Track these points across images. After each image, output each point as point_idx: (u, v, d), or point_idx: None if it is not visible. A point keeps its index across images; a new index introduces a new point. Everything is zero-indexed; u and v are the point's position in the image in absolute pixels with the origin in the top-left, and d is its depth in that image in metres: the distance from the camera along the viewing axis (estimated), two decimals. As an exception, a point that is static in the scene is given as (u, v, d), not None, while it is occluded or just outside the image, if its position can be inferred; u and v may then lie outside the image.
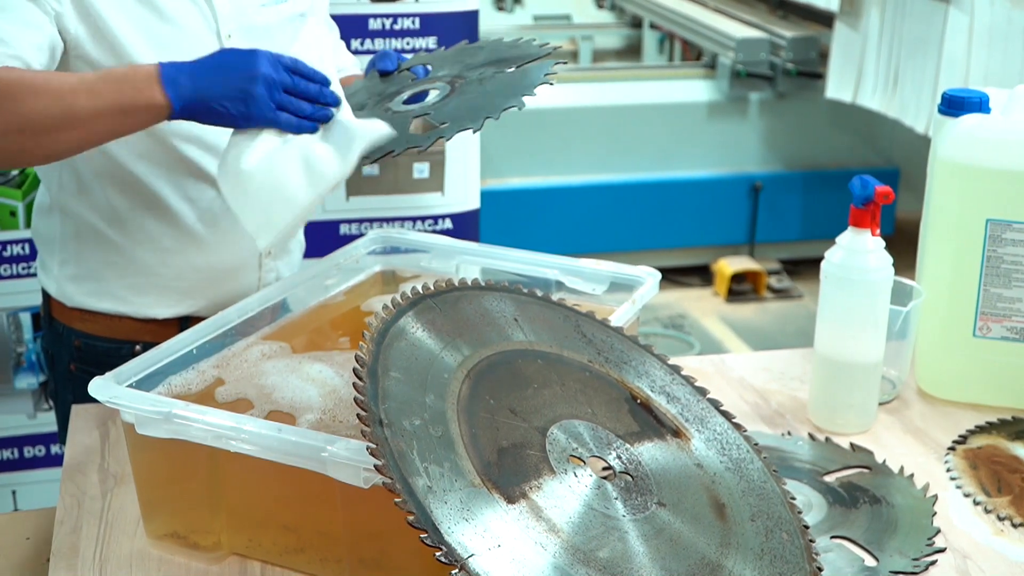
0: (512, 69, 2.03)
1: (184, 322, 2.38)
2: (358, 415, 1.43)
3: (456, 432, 1.47)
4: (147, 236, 2.31)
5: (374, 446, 1.39)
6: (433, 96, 2.05)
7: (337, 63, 2.51)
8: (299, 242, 2.55)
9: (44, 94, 1.93)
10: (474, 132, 1.90)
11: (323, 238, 3.11)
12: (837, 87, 5.99)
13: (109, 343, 2.41)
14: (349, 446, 1.54)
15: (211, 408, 1.66)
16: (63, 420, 2.55)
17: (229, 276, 2.39)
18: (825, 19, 6.36)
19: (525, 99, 1.92)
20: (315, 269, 2.21)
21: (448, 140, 1.88)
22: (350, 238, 2.37)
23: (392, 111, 2.02)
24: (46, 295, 2.49)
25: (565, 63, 2.06)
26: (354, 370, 1.48)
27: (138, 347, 2.37)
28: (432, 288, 1.70)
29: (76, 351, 2.44)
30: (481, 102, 1.95)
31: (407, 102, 2.07)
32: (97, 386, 1.73)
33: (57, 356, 2.51)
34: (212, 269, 2.36)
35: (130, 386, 1.76)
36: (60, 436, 2.59)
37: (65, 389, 2.52)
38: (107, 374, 1.76)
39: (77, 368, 2.45)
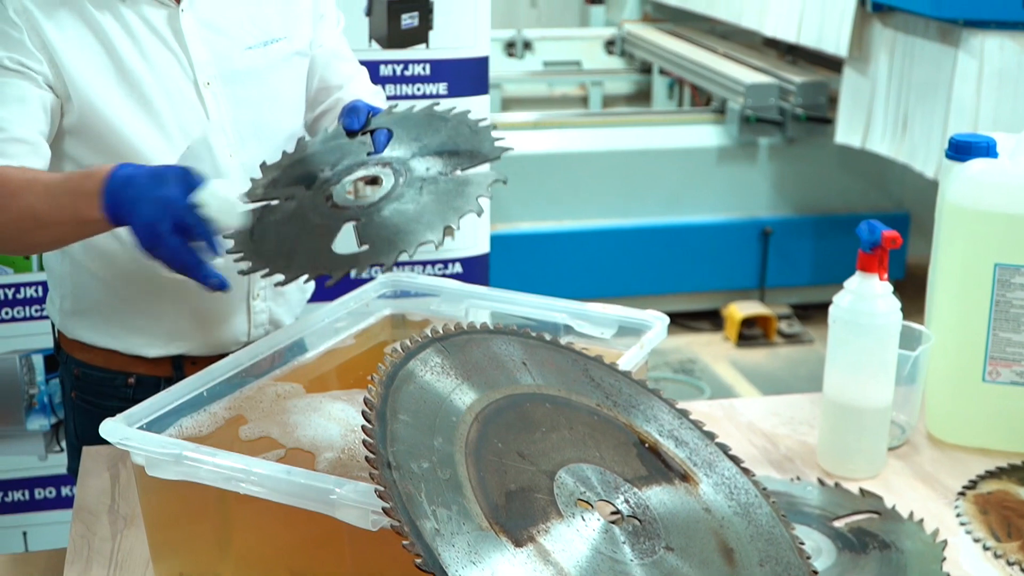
0: (453, 175, 1.96)
1: (177, 360, 2.42)
2: (367, 457, 1.43)
3: (464, 475, 1.47)
4: (137, 279, 2.32)
5: (382, 489, 1.39)
6: (375, 189, 1.97)
7: (350, 95, 2.51)
8: (295, 283, 2.51)
9: (18, 199, 1.99)
10: (383, 271, 1.87)
11: (321, 280, 3.11)
12: (846, 132, 6.00)
13: (104, 373, 2.44)
14: (357, 489, 1.54)
15: (221, 450, 1.66)
16: (70, 451, 2.61)
17: (219, 319, 2.39)
18: (834, 64, 6.38)
19: (443, 232, 1.83)
20: (325, 312, 2.21)
21: (357, 275, 1.81)
22: (360, 282, 2.36)
23: (332, 203, 1.94)
24: (54, 325, 2.54)
25: (504, 183, 2.00)
26: (363, 413, 1.48)
27: (131, 379, 2.40)
28: (441, 332, 1.70)
29: (75, 380, 2.48)
30: (407, 223, 1.86)
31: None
32: (108, 428, 1.73)
33: (64, 384, 2.56)
34: (201, 313, 2.37)
35: (141, 428, 1.76)
36: (69, 467, 2.61)
37: (68, 418, 2.57)
38: (118, 416, 1.76)
39: (76, 396, 2.49)
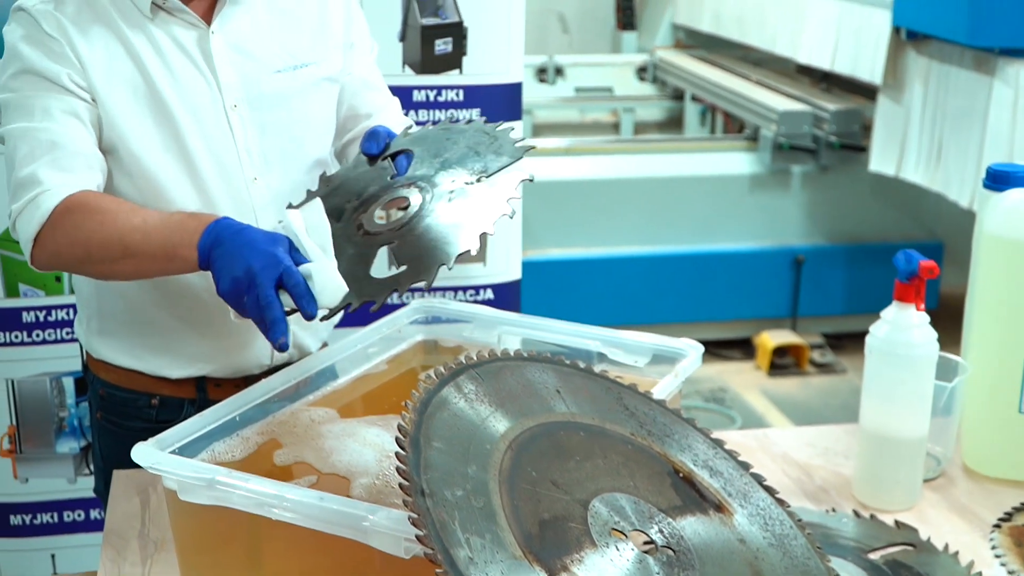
0: (479, 182, 1.97)
1: (201, 381, 2.42)
2: (400, 485, 1.43)
3: (498, 503, 1.47)
4: (162, 300, 2.33)
5: (416, 516, 1.39)
6: (403, 213, 1.97)
7: (380, 124, 2.52)
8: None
9: (108, 226, 2.04)
10: (425, 288, 1.87)
11: (365, 307, 3.12)
12: (880, 160, 5.99)
13: (127, 393, 2.44)
14: (391, 516, 1.54)
15: (253, 476, 1.66)
16: (96, 472, 2.62)
17: (243, 342, 2.38)
18: (868, 92, 6.37)
19: (480, 238, 1.84)
20: (357, 338, 2.21)
21: (400, 296, 1.82)
22: (393, 308, 2.36)
23: (364, 232, 1.96)
24: (82, 346, 2.55)
25: (532, 180, 1.99)
26: (396, 439, 1.48)
27: (155, 400, 2.41)
28: (475, 358, 1.70)
29: (100, 399, 2.49)
30: (442, 239, 1.86)
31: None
32: (140, 452, 1.74)
33: (91, 404, 2.56)
34: (225, 335, 2.36)
35: (173, 452, 1.77)
36: (95, 488, 2.62)
37: (94, 437, 2.58)
38: (150, 440, 1.77)
39: (102, 416, 2.49)
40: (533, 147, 2.03)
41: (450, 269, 1.82)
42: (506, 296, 3.62)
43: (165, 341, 2.38)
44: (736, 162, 6.70)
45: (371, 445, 1.87)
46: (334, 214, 2.02)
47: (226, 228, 1.92)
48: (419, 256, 1.84)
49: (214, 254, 1.90)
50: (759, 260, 6.67)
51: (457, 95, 3.49)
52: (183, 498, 1.70)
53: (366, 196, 2.05)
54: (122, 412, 2.45)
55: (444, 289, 3.51)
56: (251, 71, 2.30)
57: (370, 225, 1.96)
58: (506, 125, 2.10)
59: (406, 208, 1.97)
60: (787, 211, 6.70)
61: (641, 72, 8.68)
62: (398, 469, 1.44)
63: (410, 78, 3.45)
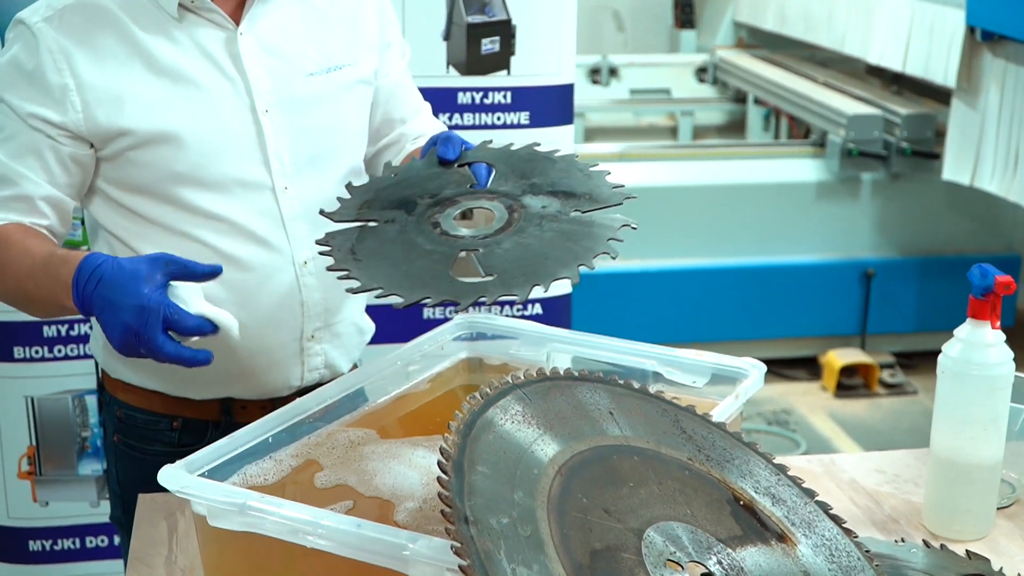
0: (576, 214, 1.99)
1: (225, 402, 2.42)
2: (442, 512, 1.43)
3: (546, 532, 1.47)
4: None
5: (459, 545, 1.39)
6: (487, 224, 2.00)
7: (414, 130, 2.54)
8: (354, 324, 2.53)
9: (8, 270, 2.16)
10: (518, 302, 1.88)
11: (405, 322, 3.12)
12: (954, 168, 5.96)
13: (148, 416, 2.45)
14: (432, 544, 1.54)
15: (288, 500, 1.67)
16: (113, 498, 2.62)
17: (271, 362, 2.39)
18: (942, 96, 6.34)
19: (581, 269, 1.86)
20: (397, 355, 2.22)
21: (488, 303, 1.83)
22: (434, 323, 2.37)
23: (440, 231, 1.97)
24: (97, 364, 2.57)
25: (635, 228, 2.00)
26: (439, 463, 1.48)
27: (176, 422, 2.42)
28: (522, 378, 1.70)
29: (118, 421, 2.49)
30: (535, 257, 1.89)
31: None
32: (167, 475, 1.74)
33: (107, 426, 2.57)
34: (253, 355, 2.36)
35: (202, 475, 1.78)
36: (112, 516, 2.62)
37: (111, 462, 2.58)
38: (178, 463, 1.78)
39: (119, 439, 2.50)
40: (634, 197, 2.04)
41: (545, 291, 1.83)
42: (555, 311, 3.62)
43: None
44: (801, 169, 6.68)
45: (417, 467, 1.87)
46: (404, 205, 2.04)
47: (89, 282, 1.99)
48: (510, 270, 1.85)
49: (94, 312, 2.00)
50: (826, 274, 6.65)
51: (504, 97, 3.50)
52: (213, 524, 1.71)
53: (442, 197, 2.06)
54: (142, 435, 2.46)
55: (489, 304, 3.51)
56: (283, 73, 2.31)
57: (448, 227, 1.97)
58: (600, 168, 2.11)
59: (469, 219, 2.00)
60: (856, 221, 6.68)
61: (700, 73, 8.68)
62: (440, 495, 1.44)
63: (454, 79, 3.46)
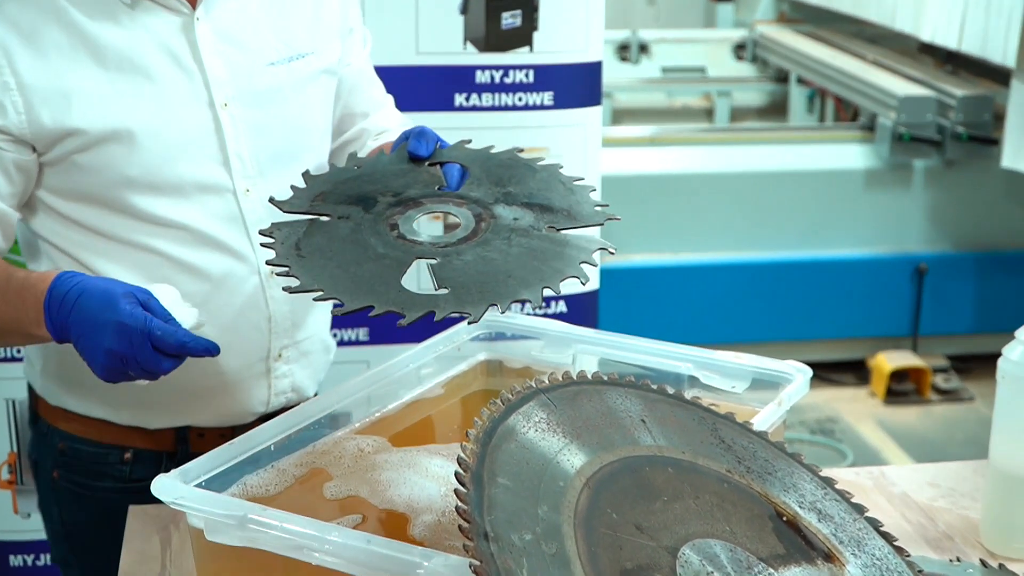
0: (548, 232, 1.95)
1: (182, 431, 2.38)
2: (460, 527, 1.43)
3: (573, 550, 1.47)
4: None
5: (478, 563, 1.39)
6: (449, 232, 1.97)
7: (377, 125, 2.53)
8: (321, 341, 2.50)
9: None
10: (469, 323, 1.85)
11: (419, 321, 3.13)
12: (1014, 155, 5.93)
13: (95, 447, 2.40)
14: (448, 562, 1.54)
15: (292, 514, 1.67)
16: (54, 539, 2.54)
17: (234, 385, 2.36)
18: (1001, 76, 6.32)
19: (546, 292, 1.82)
20: (408, 356, 2.22)
21: (437, 320, 1.80)
22: (448, 323, 2.37)
23: (398, 234, 1.94)
24: (31, 389, 2.49)
25: (613, 253, 1.98)
26: (456, 475, 1.48)
27: (128, 454, 2.38)
28: (546, 382, 1.70)
29: (59, 455, 2.43)
30: (496, 273, 1.86)
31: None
32: (161, 485, 1.75)
33: (41, 462, 2.50)
34: (214, 376, 2.33)
35: (199, 486, 1.78)
36: (54, 556, 2.57)
37: (49, 501, 2.50)
38: (172, 472, 1.78)
39: (60, 476, 2.44)
40: (617, 218, 2.00)
41: (501, 312, 1.82)
42: (581, 309, 3.62)
43: (142, 384, 2.20)
44: (849, 155, 6.67)
45: (435, 478, 1.88)
46: (362, 201, 2.02)
47: (63, 306, 1.98)
48: (467, 285, 1.82)
49: (72, 339, 1.99)
50: (875, 269, 6.64)
51: (526, 76, 3.49)
52: (210, 538, 1.71)
53: (405, 197, 2.03)
54: (87, 470, 2.41)
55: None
56: (242, 63, 2.28)
57: (407, 231, 1.95)
58: (585, 183, 2.08)
59: (454, 227, 1.97)
60: (907, 212, 6.67)
61: (739, 50, 8.68)
62: (458, 509, 1.45)
63: (472, 57, 3.45)
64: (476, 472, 1.50)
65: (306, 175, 2.09)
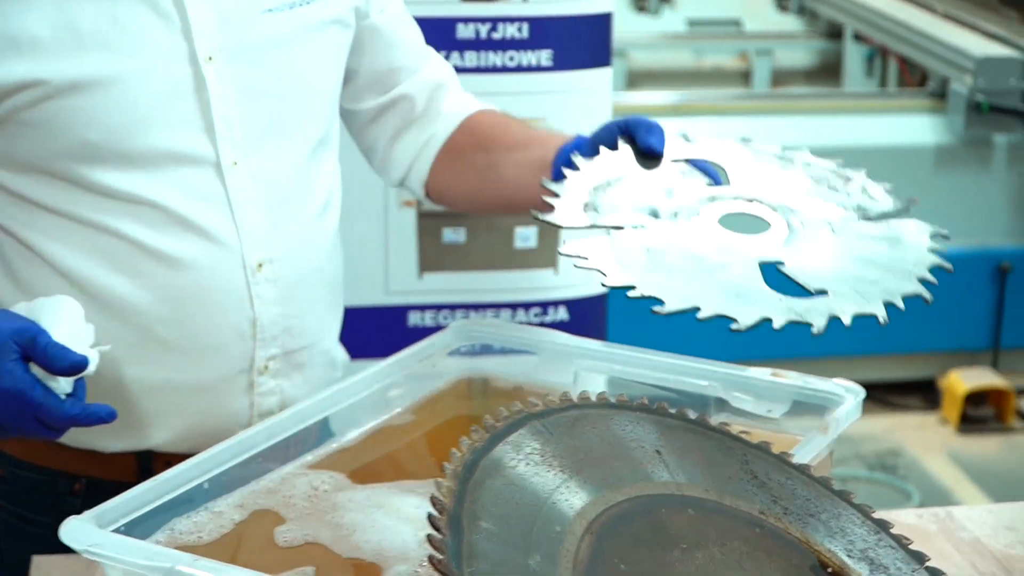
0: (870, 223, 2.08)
1: (144, 457, 2.37)
2: (434, 581, 1.45)
3: (571, 609, 1.48)
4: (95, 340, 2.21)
5: (456, 625, 1.40)
6: (771, 234, 2.08)
7: (451, 101, 2.58)
8: (324, 354, 2.50)
9: None
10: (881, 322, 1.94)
11: (386, 331, 3.14)
12: (1117, 128, 5.96)
13: (39, 474, 2.40)
14: (427, 624, 1.56)
15: (228, 566, 1.68)
16: None
17: (204, 400, 2.34)
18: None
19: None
20: (373, 374, 2.22)
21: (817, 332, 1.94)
22: (423, 332, 2.37)
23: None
24: None
25: (948, 238, 2.06)
26: (429, 517, 1.49)
27: (79, 484, 2.37)
28: (541, 405, 1.71)
29: (1, 482, 2.44)
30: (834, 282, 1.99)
31: None
32: (71, 530, 1.75)
33: None
34: (184, 391, 2.32)
35: (117, 531, 1.79)
36: None
37: None
38: (86, 514, 1.79)
39: (2, 506, 2.44)
40: (916, 199, 2.10)
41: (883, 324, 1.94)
42: (586, 316, 3.62)
43: (100, 395, 2.17)
44: (915, 128, 6.68)
45: (410, 520, 1.88)
46: (643, 208, 2.09)
47: None
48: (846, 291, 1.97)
49: None
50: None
51: (519, 31, 3.49)
52: (131, 594, 1.72)
53: (688, 204, 2.12)
54: (29, 501, 2.41)
55: (497, 306, 3.51)
56: (232, 9, 2.26)
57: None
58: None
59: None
60: (987, 198, 6.68)
61: (782, 0, 8.69)
62: (431, 559, 1.46)
63: (454, 7, 3.45)
64: (454, 514, 1.51)
65: (548, 181, 2.19)
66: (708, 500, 1.71)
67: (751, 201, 2.08)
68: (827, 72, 8.47)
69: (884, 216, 2.04)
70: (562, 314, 3.59)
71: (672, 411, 1.83)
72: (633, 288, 1.87)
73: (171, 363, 2.24)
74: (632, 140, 2.22)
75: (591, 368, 2.31)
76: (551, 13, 3.48)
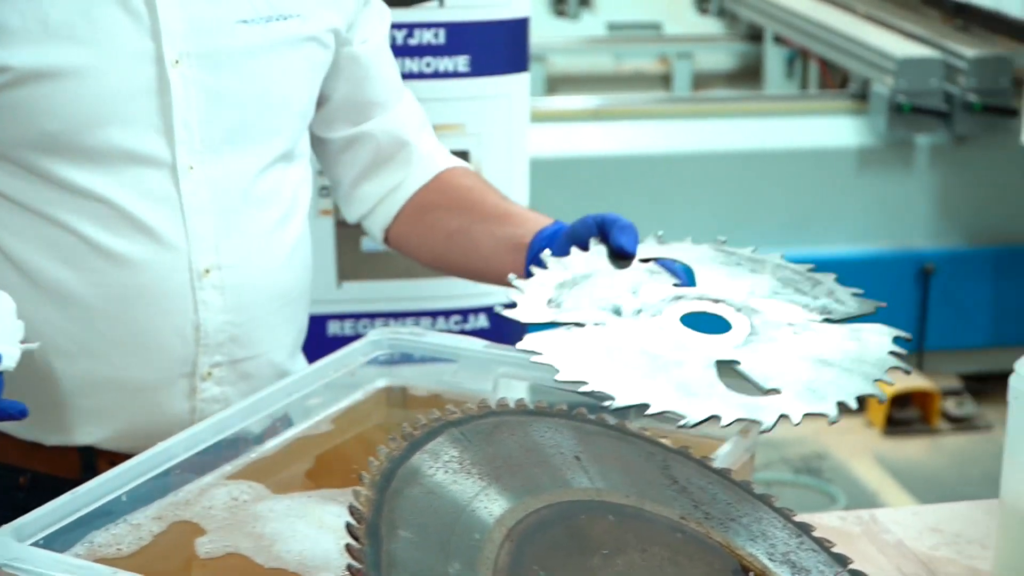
0: (827, 322, 2.12)
1: (87, 453, 2.38)
2: (353, 591, 1.45)
3: (491, 616, 1.49)
4: (34, 329, 2.21)
5: (375, 635, 1.41)
6: (731, 335, 2.07)
7: (419, 144, 2.59)
8: (272, 365, 2.49)
9: None
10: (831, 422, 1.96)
11: (306, 340, 3.14)
12: (1039, 128, 6.00)
13: None
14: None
15: (150, 578, 1.68)
16: None
17: (143, 400, 2.35)
18: (1020, 32, 6.36)
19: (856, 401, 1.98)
20: (292, 383, 2.23)
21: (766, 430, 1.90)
22: (342, 341, 2.37)
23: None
24: None
25: (909, 340, 2.11)
26: (347, 527, 1.49)
27: (23, 478, 2.38)
28: (459, 413, 1.72)
29: None
30: (830, 371, 2.01)
31: None
32: (-11, 544, 1.75)
33: None
34: (124, 384, 2.33)
35: (37, 544, 1.78)
36: None
37: None
38: (3, 528, 1.78)
39: None
40: (883, 304, 2.19)
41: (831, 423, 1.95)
42: (507, 323, 3.61)
43: (37, 390, 2.27)
44: (837, 130, 6.71)
45: (331, 529, 1.88)
46: (606, 307, 2.11)
47: None
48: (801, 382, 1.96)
49: None
50: (871, 270, 6.67)
51: (436, 37, 3.49)
52: (50, 609, 1.72)
53: (650, 301, 2.13)
54: None
55: (417, 314, 3.51)
56: (206, 16, 2.27)
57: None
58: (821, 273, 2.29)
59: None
60: (910, 199, 6.70)
61: (702, 2, 8.72)
62: (350, 568, 1.46)
63: (369, 14, 3.46)
64: (372, 523, 1.51)
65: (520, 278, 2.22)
66: (628, 506, 1.71)
67: (716, 302, 2.11)
68: (748, 75, 8.51)
69: (847, 319, 2.09)
70: (483, 321, 3.59)
71: (591, 417, 1.83)
72: (585, 384, 1.87)
73: (113, 360, 2.26)
74: (606, 238, 2.25)
75: (511, 375, 2.31)
76: (468, 19, 3.49)
